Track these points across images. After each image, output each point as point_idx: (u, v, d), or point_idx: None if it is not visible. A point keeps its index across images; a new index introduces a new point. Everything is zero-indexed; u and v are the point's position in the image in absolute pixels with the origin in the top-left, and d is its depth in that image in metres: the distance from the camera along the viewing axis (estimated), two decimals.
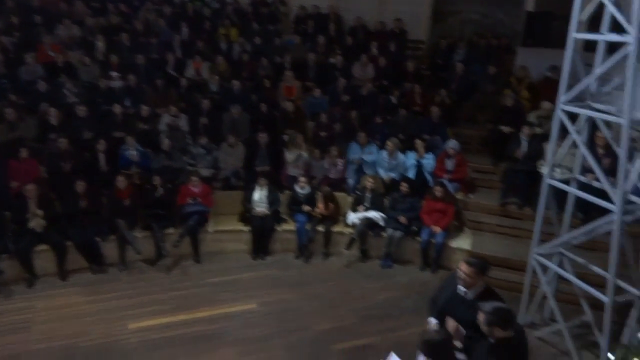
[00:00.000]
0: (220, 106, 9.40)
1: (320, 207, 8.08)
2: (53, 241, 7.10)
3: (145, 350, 5.66)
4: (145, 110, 8.98)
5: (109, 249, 7.49)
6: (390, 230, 7.80)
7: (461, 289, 4.00)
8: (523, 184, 7.95)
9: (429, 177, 8.44)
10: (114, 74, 9.74)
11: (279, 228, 8.16)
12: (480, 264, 4.00)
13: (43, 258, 7.15)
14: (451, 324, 3.80)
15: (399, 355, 3.73)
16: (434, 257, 7.64)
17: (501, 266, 7.26)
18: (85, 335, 5.90)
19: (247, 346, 5.77)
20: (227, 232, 8.14)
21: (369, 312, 6.53)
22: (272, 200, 8.14)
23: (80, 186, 7.35)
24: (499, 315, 3.40)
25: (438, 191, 7.72)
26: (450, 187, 8.14)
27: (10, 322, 6.13)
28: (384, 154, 8.57)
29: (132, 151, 8.23)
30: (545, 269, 6.00)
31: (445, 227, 7.63)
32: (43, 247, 7.12)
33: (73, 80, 9.52)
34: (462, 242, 7.78)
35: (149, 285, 7.06)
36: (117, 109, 8.82)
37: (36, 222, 7.02)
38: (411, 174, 8.50)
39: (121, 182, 7.57)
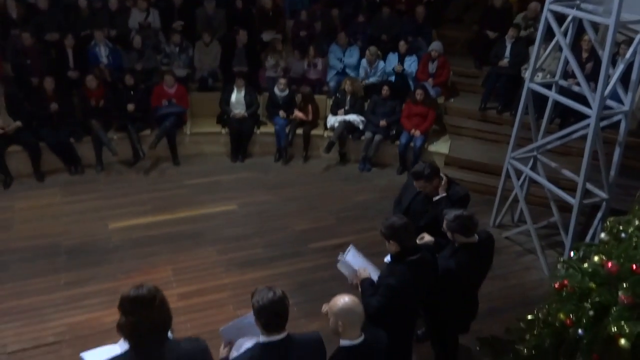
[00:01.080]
0: (194, 1, 8.85)
1: (299, 112, 7.96)
2: (25, 142, 6.94)
3: (128, 248, 5.80)
4: (113, 3, 8.40)
5: (85, 149, 7.37)
6: (369, 134, 7.80)
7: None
8: (504, 88, 7.91)
9: (410, 81, 8.30)
10: None
11: (257, 131, 8.08)
12: (427, 172, 4.03)
13: (17, 159, 7.04)
14: (427, 238, 3.90)
15: (366, 251, 3.88)
16: (412, 161, 7.71)
17: (478, 170, 7.43)
18: (67, 234, 5.98)
19: (227, 244, 5.94)
20: (205, 135, 8.05)
21: (346, 213, 6.71)
22: (250, 102, 7.97)
23: (48, 83, 7.05)
24: (459, 223, 3.50)
25: (419, 94, 7.62)
26: (431, 91, 8.04)
27: None
28: (364, 62, 8.32)
29: (102, 48, 7.82)
30: (519, 173, 6.14)
31: (424, 131, 7.64)
32: (16, 147, 6.97)
33: None
34: (441, 147, 7.85)
35: (127, 187, 7.08)
36: (82, 3, 8.23)
37: (5, 121, 6.80)
38: (392, 77, 8.33)
39: (91, 81, 7.27)
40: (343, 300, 2.70)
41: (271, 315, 2.50)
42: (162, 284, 5.22)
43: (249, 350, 2.58)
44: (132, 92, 7.52)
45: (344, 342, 2.72)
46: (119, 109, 7.48)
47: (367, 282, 3.48)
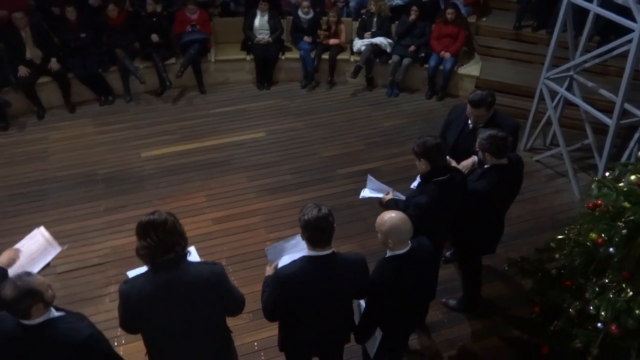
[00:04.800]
0: None
1: (324, 34, 7.74)
2: (54, 73, 6.99)
3: (161, 176, 5.95)
4: None
5: (113, 80, 7.41)
6: (396, 57, 7.57)
7: (470, 125, 3.99)
8: (541, 4, 7.48)
9: (440, 0, 7.89)
10: None
11: (282, 56, 7.93)
12: (486, 97, 3.87)
13: (48, 90, 7.13)
14: (454, 163, 3.86)
15: (394, 177, 3.88)
16: (441, 85, 7.54)
17: (510, 92, 7.22)
18: (102, 163, 6.16)
19: (256, 171, 6.04)
20: (230, 62, 7.95)
21: (374, 139, 6.68)
22: (274, 27, 7.76)
23: (70, 13, 6.98)
24: (492, 142, 3.44)
25: (450, 14, 7.28)
26: (463, 9, 7.66)
27: (28, 152, 6.37)
28: None
29: None
30: (553, 94, 5.94)
31: (455, 52, 7.37)
32: (45, 79, 7.04)
33: None
34: (471, 69, 7.60)
35: (156, 116, 7.14)
36: None
37: (33, 53, 6.84)
38: None
39: (112, 10, 7.16)
40: (390, 217, 2.76)
41: (316, 230, 2.58)
42: (196, 210, 5.47)
43: (295, 261, 2.69)
44: (154, 19, 7.39)
45: (391, 253, 2.82)
46: (142, 37, 7.40)
47: (391, 202, 3.54)
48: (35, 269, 2.99)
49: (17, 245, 3.05)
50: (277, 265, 2.85)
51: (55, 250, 3.16)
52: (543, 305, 3.51)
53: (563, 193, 5.82)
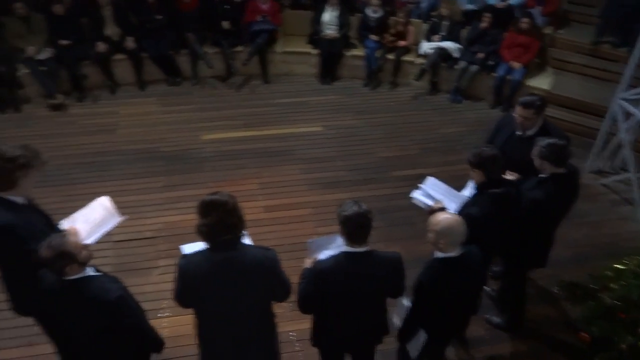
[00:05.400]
0: None
1: (387, 36, 7.67)
2: (129, 51, 7.32)
3: (219, 159, 6.12)
4: None
5: (182, 62, 7.68)
6: (464, 63, 7.41)
7: (518, 133, 3.87)
8: (626, 19, 7.06)
9: (515, 2, 7.60)
10: None
11: (347, 53, 7.93)
12: (539, 102, 3.79)
13: (122, 67, 7.48)
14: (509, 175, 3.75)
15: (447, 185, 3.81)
16: (508, 95, 7.31)
17: (579, 110, 6.90)
18: (164, 142, 6.40)
19: (311, 164, 6.09)
20: (295, 54, 8.04)
21: (431, 144, 6.58)
22: (343, 23, 7.78)
23: None
24: (552, 150, 3.33)
25: (525, 23, 7.04)
26: (539, 20, 7.39)
27: (98, 124, 6.71)
28: None
29: None
30: (627, 115, 5.63)
31: (526, 63, 7.13)
32: (121, 56, 7.39)
33: None
34: (541, 82, 7.32)
35: (220, 101, 7.34)
36: None
37: (112, 30, 7.20)
38: None
39: None
40: (445, 218, 2.73)
41: (355, 226, 2.60)
42: (248, 195, 5.59)
43: (333, 256, 2.73)
44: (226, 7, 7.58)
45: (439, 254, 2.79)
46: (213, 23, 7.61)
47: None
48: (96, 236, 3.15)
49: (83, 211, 3.22)
50: (316, 259, 2.89)
51: (116, 219, 3.31)
52: (592, 335, 3.36)
53: (627, 221, 5.52)
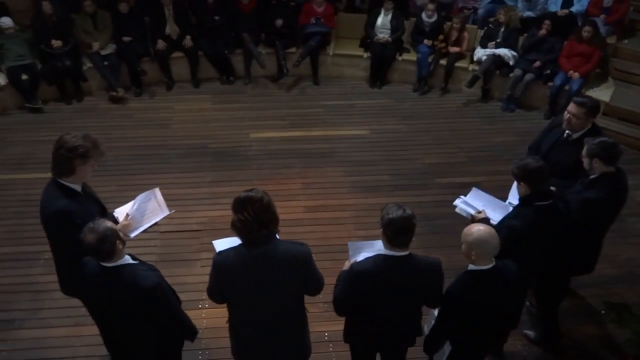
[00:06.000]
0: None
1: (440, 44, 7.58)
2: (186, 50, 7.59)
3: (265, 158, 6.24)
4: None
5: (236, 62, 7.89)
6: (519, 71, 7.20)
7: (567, 132, 3.78)
8: None
9: (578, 18, 7.35)
10: None
11: (399, 57, 7.90)
12: (592, 104, 3.73)
13: (178, 65, 7.77)
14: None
15: (493, 195, 3.73)
16: (563, 106, 7.00)
17: (639, 124, 6.57)
18: (214, 138, 6.59)
19: (355, 167, 6.11)
20: (347, 57, 8.09)
21: (479, 153, 6.45)
22: (396, 27, 7.75)
23: None
24: (603, 147, 3.25)
25: (587, 32, 6.77)
26: (602, 28, 7.09)
27: (154, 118, 7.01)
28: None
29: None
30: None
31: (585, 74, 6.86)
32: (178, 54, 7.67)
33: None
34: (601, 93, 7.01)
35: (269, 101, 7.49)
36: None
37: (172, 29, 7.49)
38: (556, 6, 7.46)
39: None
40: (478, 230, 2.69)
41: (399, 230, 2.60)
42: (291, 195, 5.68)
43: (371, 257, 2.74)
44: (281, 9, 7.72)
45: (472, 267, 2.76)
46: (269, 24, 7.77)
47: (484, 221, 3.40)
48: (145, 226, 3.29)
49: (135, 202, 3.35)
50: (355, 262, 2.90)
51: (164, 212, 3.44)
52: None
53: None
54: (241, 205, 2.57)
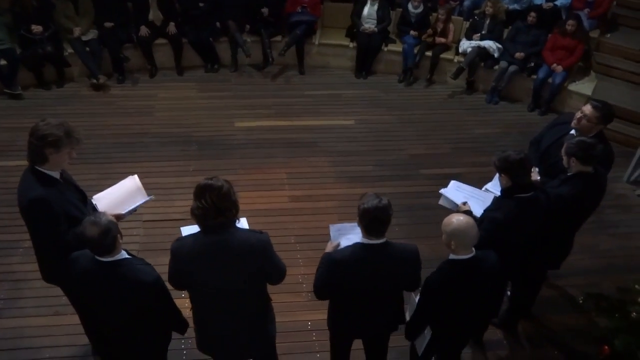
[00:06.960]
0: None
1: (428, 37, 7.58)
2: (170, 36, 7.48)
3: (250, 147, 6.20)
4: None
5: (221, 50, 7.79)
6: (503, 64, 7.25)
7: (573, 133, 3.76)
8: None
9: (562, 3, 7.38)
10: None
11: (385, 48, 7.89)
12: (607, 110, 3.68)
13: (162, 52, 7.66)
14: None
15: (475, 187, 3.77)
16: (547, 99, 7.13)
17: (621, 118, 6.64)
18: (198, 127, 6.53)
19: (339, 157, 6.11)
20: (333, 47, 8.05)
21: (463, 144, 6.49)
22: (382, 17, 7.72)
23: None
24: (581, 147, 3.26)
25: (571, 25, 6.83)
26: (586, 22, 7.16)
27: (138, 106, 6.90)
28: None
29: None
30: None
31: (568, 67, 6.93)
32: (162, 41, 7.56)
33: None
34: (583, 87, 7.10)
35: (255, 90, 7.43)
36: None
37: (156, 15, 7.37)
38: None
39: None
40: (458, 219, 2.72)
41: (374, 220, 2.62)
42: (275, 184, 5.65)
43: (349, 246, 2.77)
44: None
45: (453, 256, 2.79)
46: (254, 12, 7.68)
47: (467, 213, 3.43)
48: (123, 211, 3.26)
49: (111, 189, 3.33)
50: (338, 245, 2.91)
51: (143, 198, 3.41)
52: (614, 348, 3.27)
53: None
54: (200, 192, 2.55)
